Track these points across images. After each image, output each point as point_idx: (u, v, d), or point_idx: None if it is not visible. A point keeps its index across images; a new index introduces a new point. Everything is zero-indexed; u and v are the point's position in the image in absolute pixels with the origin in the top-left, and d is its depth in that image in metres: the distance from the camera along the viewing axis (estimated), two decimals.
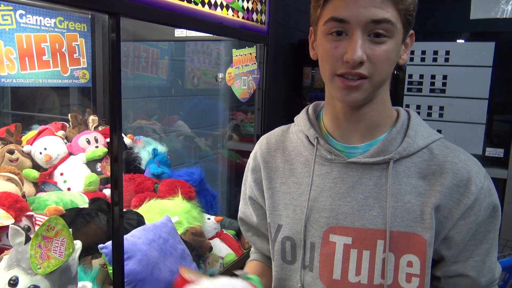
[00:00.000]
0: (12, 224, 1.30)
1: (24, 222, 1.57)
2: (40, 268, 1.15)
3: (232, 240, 2.17)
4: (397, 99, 3.43)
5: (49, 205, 1.74)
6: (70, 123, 2.44)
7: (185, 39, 2.32)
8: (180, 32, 2.32)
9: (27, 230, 1.55)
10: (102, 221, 1.63)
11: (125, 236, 1.59)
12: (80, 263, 1.49)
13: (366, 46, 0.79)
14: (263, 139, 1.07)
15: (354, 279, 0.88)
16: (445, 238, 0.87)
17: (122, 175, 1.40)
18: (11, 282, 1.15)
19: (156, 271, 1.57)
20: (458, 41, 3.29)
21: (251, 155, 1.08)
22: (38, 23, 2.17)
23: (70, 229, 1.55)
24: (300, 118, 1.01)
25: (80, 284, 1.36)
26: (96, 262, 1.55)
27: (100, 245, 1.52)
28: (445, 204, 0.85)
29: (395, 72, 3.37)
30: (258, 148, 1.06)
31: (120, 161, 1.34)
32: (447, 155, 0.87)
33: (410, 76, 3.53)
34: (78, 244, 1.25)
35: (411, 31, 0.87)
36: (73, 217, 1.59)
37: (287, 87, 3.79)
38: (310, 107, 1.02)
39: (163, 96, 3.19)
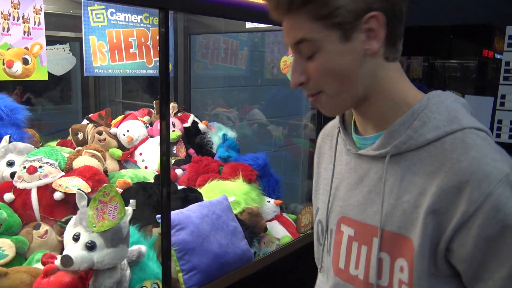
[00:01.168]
0: (84, 192, 1.52)
1: None
2: (95, 227, 1.35)
3: (290, 223, 2.24)
4: (490, 89, 3.17)
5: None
6: (154, 109, 2.72)
7: (254, 30, 2.43)
8: (250, 24, 2.43)
9: None
10: None
11: (181, 210, 1.77)
12: (141, 230, 1.69)
13: (304, 65, 0.79)
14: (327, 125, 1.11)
15: (354, 272, 0.87)
16: (448, 249, 0.75)
17: (170, 156, 1.55)
18: (75, 237, 1.38)
19: (206, 242, 1.71)
20: None
21: None
22: (127, 20, 2.44)
23: (134, 200, 1.76)
24: None
25: (136, 246, 1.56)
26: (156, 231, 1.75)
27: (158, 215, 1.71)
28: (441, 209, 0.73)
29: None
30: (319, 134, 1.10)
31: (168, 143, 1.50)
32: (455, 151, 0.72)
33: (508, 63, 3.22)
34: (129, 210, 1.43)
35: (370, 14, 0.73)
36: (138, 189, 1.81)
37: None
38: None
39: (242, 86, 3.34)
